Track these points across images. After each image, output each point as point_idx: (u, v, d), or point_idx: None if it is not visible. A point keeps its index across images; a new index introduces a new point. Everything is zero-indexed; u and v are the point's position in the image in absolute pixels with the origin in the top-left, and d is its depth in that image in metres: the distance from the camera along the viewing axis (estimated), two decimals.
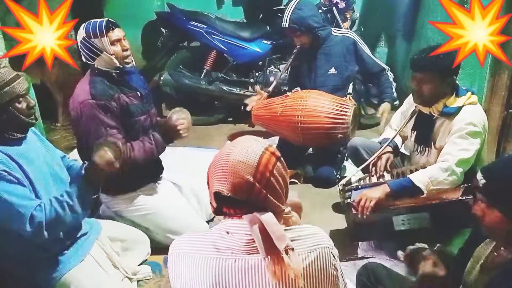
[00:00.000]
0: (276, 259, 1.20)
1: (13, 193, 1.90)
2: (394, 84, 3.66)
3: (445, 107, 2.48)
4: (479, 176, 1.44)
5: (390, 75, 3.68)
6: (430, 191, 2.42)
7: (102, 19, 2.50)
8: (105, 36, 2.46)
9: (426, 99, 2.52)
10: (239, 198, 1.26)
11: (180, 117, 2.72)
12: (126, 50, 2.57)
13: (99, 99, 2.45)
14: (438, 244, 1.83)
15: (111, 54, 2.49)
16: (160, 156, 2.85)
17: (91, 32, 2.45)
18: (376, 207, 2.43)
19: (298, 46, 3.77)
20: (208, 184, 1.36)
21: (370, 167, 2.80)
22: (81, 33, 2.47)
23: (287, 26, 3.48)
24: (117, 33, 2.52)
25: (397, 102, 3.62)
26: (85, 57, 2.52)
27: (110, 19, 2.52)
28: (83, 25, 2.48)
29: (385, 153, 2.80)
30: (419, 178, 2.43)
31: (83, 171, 2.13)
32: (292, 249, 1.22)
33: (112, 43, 2.49)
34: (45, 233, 1.96)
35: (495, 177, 1.44)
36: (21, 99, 2.00)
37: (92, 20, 2.49)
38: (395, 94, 3.63)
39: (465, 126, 2.41)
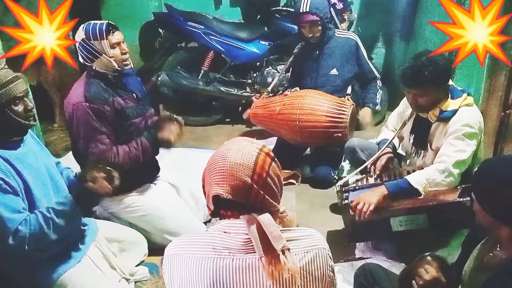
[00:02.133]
0: (273, 259, 1.21)
1: (4, 204, 1.90)
2: (380, 92, 3.70)
3: (441, 113, 2.49)
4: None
5: (379, 84, 3.72)
6: (428, 192, 2.42)
7: (102, 22, 2.49)
8: (105, 39, 2.45)
9: (424, 108, 2.54)
10: (238, 200, 1.27)
11: (170, 128, 2.67)
12: (125, 53, 2.57)
13: (92, 103, 2.45)
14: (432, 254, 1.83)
15: (110, 57, 2.49)
16: (157, 157, 2.85)
17: (91, 34, 2.44)
18: (374, 211, 2.44)
19: (298, 46, 3.79)
20: (203, 187, 1.36)
21: (369, 167, 2.81)
22: (80, 34, 2.46)
23: (307, 10, 3.43)
24: (117, 37, 2.51)
25: (378, 107, 3.67)
26: (83, 58, 2.51)
27: (110, 22, 2.51)
28: (82, 26, 2.47)
29: (384, 154, 2.81)
30: (417, 180, 2.43)
31: (76, 184, 2.13)
32: (289, 249, 1.23)
33: (112, 46, 2.49)
34: (26, 247, 1.95)
35: (479, 177, 1.51)
36: (18, 101, 1.98)
37: (92, 22, 2.48)
38: (377, 100, 3.66)
39: (461, 127, 2.41)
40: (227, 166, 1.27)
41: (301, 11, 3.46)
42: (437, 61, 2.37)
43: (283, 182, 1.40)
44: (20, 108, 2.00)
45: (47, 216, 1.99)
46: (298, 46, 3.80)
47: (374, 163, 2.80)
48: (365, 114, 3.57)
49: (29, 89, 2.93)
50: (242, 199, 1.27)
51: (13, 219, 1.91)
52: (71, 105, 2.47)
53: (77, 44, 2.48)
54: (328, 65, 3.65)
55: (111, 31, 2.49)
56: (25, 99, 2.03)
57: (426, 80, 2.38)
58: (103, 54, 2.48)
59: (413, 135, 2.73)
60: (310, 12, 3.43)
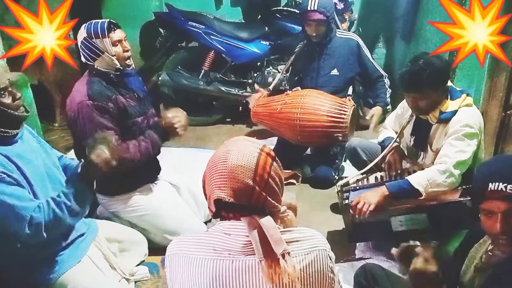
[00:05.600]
0: (273, 262, 1.21)
1: (14, 194, 1.89)
2: (389, 91, 3.69)
3: (441, 114, 2.49)
4: (496, 185, 1.36)
5: (387, 82, 3.70)
6: (428, 193, 2.42)
7: (103, 20, 2.50)
8: (106, 37, 2.46)
9: (423, 111, 2.55)
10: (240, 203, 1.26)
11: (176, 114, 2.70)
12: (127, 51, 2.58)
13: (96, 100, 2.45)
14: (433, 242, 1.82)
15: (112, 55, 2.50)
16: (157, 157, 2.84)
17: (92, 33, 2.44)
18: (374, 211, 2.44)
19: (299, 45, 3.79)
20: (204, 189, 1.35)
21: (384, 164, 2.79)
22: (82, 33, 2.46)
23: (315, 8, 3.40)
24: (118, 34, 2.52)
25: (389, 107, 3.65)
26: (86, 57, 2.51)
27: (111, 20, 2.52)
28: (84, 25, 2.47)
29: (394, 148, 2.79)
30: (418, 181, 2.43)
31: (79, 170, 2.12)
32: (289, 253, 1.23)
33: (114, 44, 2.50)
34: (44, 234, 1.95)
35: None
36: (3, 92, 1.95)
37: (93, 21, 2.49)
38: (388, 100, 3.65)
39: (461, 128, 2.41)
40: (228, 168, 1.26)
41: (308, 8, 3.44)
42: (434, 64, 2.37)
43: (284, 182, 1.39)
44: (8, 99, 1.96)
45: (58, 200, 1.99)
46: (299, 46, 3.81)
47: (383, 158, 2.79)
48: (376, 113, 3.52)
49: (27, 87, 2.94)
50: (244, 202, 1.26)
51: (26, 207, 1.90)
52: (76, 104, 2.46)
53: (79, 43, 2.49)
54: (329, 65, 3.65)
55: (113, 29, 2.50)
56: (11, 89, 1.99)
57: (425, 84, 2.38)
58: (105, 52, 2.49)
59: (414, 137, 2.73)
60: (318, 11, 3.42)
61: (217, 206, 1.30)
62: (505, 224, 1.36)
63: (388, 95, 3.66)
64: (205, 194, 1.35)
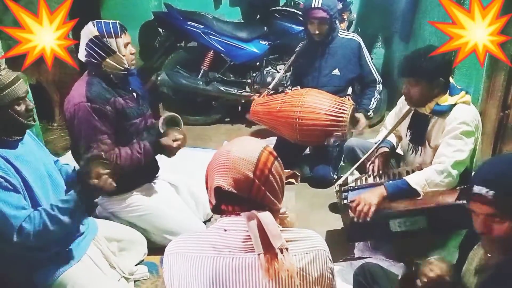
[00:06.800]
0: (270, 257, 1.22)
1: (7, 202, 1.90)
2: (377, 98, 3.71)
3: (437, 105, 2.50)
4: (480, 189, 1.39)
5: (378, 88, 3.72)
6: (427, 193, 2.42)
7: (113, 21, 2.51)
8: (120, 37, 2.48)
9: (416, 102, 2.55)
10: (240, 194, 1.28)
11: (177, 137, 2.70)
12: (133, 54, 2.61)
13: (94, 102, 2.45)
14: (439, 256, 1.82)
15: (123, 55, 2.51)
16: (156, 156, 2.84)
17: (105, 32, 2.45)
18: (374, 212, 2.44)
19: (300, 44, 3.81)
20: (206, 182, 1.37)
21: (367, 166, 2.81)
22: (92, 31, 2.44)
23: (319, 6, 3.43)
24: (128, 37, 2.55)
25: (371, 114, 3.67)
26: (92, 56, 2.48)
27: (120, 23, 2.54)
28: (92, 23, 2.47)
29: (382, 152, 2.82)
30: (416, 180, 2.43)
31: (74, 179, 2.13)
32: (287, 249, 1.24)
33: (124, 45, 2.51)
34: (32, 242, 1.96)
35: (506, 186, 1.38)
36: (20, 101, 2.00)
37: (102, 20, 2.50)
38: (371, 106, 3.67)
39: (458, 125, 2.41)
40: (231, 160, 1.29)
41: (312, 6, 3.46)
42: (436, 55, 2.38)
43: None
44: (22, 108, 2.02)
45: (51, 214, 1.99)
46: (300, 45, 3.82)
47: (372, 161, 2.80)
48: (359, 118, 3.58)
49: (29, 89, 2.94)
50: (243, 193, 1.28)
51: (17, 216, 1.92)
52: (73, 104, 2.46)
53: (84, 41, 2.47)
54: (331, 65, 3.66)
55: (124, 31, 2.53)
56: (26, 99, 2.05)
57: (420, 70, 2.41)
58: (117, 52, 2.49)
59: (411, 132, 2.73)
60: (322, 9, 3.44)
61: (217, 196, 1.31)
62: (485, 226, 1.41)
63: (373, 102, 3.68)
64: (207, 188, 1.37)
